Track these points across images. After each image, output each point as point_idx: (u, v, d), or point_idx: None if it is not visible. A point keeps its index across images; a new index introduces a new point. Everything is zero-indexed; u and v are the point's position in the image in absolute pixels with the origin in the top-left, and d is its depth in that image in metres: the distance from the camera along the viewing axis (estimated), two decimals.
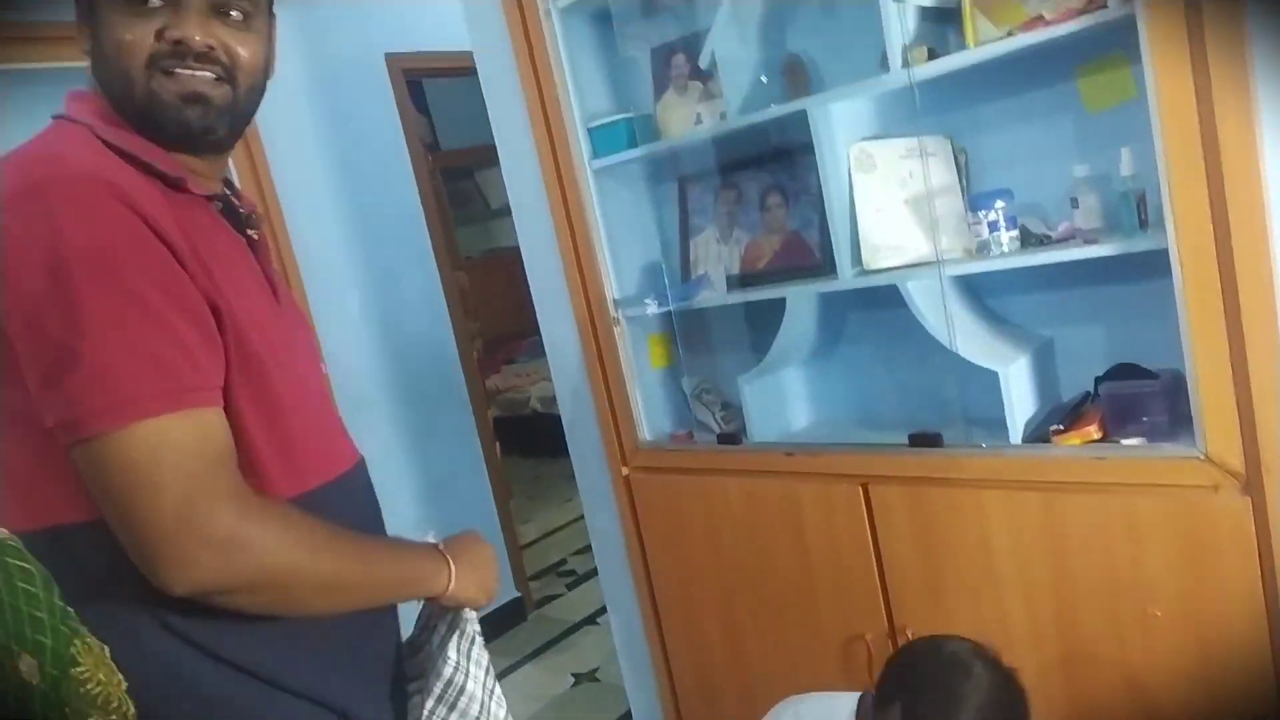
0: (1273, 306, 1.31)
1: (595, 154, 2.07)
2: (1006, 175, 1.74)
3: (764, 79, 1.90)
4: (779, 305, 1.97)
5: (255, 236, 1.08)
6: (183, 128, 0.97)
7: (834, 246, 1.78)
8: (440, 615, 1.16)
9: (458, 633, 1.10)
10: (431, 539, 1.11)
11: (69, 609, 0.77)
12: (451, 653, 1.09)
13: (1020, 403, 1.66)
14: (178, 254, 0.88)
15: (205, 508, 0.85)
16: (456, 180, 6.83)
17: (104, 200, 0.85)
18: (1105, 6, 1.40)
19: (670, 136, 2.05)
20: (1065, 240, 1.61)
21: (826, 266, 1.87)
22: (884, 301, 1.84)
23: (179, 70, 0.94)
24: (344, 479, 1.09)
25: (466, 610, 1.12)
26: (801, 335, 2.00)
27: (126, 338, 0.83)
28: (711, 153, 2.09)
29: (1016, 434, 1.65)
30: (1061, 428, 1.62)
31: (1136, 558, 1.51)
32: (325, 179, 3.15)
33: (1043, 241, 1.65)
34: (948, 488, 1.69)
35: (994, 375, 1.64)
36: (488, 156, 7.10)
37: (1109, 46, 1.54)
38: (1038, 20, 1.49)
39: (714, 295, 2.03)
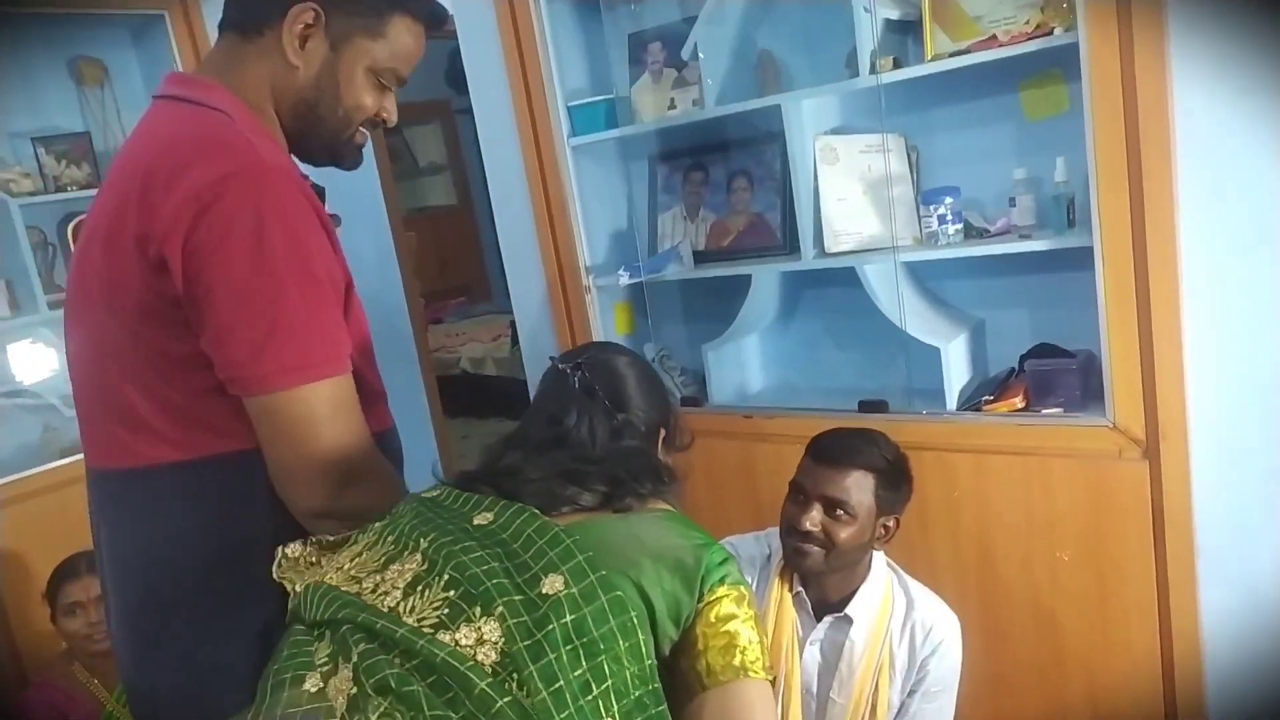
0: (1177, 299, 1.56)
1: (574, 132, 2.20)
2: (952, 173, 1.96)
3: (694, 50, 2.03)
4: (737, 280, 2.16)
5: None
6: (353, 166, 1.22)
7: (799, 230, 1.97)
8: None
9: None
10: None
11: None
12: None
13: (957, 375, 1.88)
14: (331, 240, 1.07)
15: (346, 451, 1.05)
16: (385, 137, 6.77)
17: (293, 192, 1.02)
18: (1051, 34, 1.61)
19: (644, 119, 2.20)
20: (1002, 234, 1.84)
21: (788, 247, 2.06)
22: (840, 281, 2.04)
23: (368, 132, 1.20)
24: (392, 427, 1.27)
25: None
26: (763, 308, 2.19)
27: (311, 316, 1.01)
28: (682, 136, 2.24)
29: (952, 403, 1.88)
30: (991, 398, 1.85)
31: (1049, 511, 1.76)
32: None
33: (983, 234, 1.87)
34: None
35: (935, 350, 1.87)
36: (416, 113, 7.01)
37: (1048, 64, 1.76)
38: (991, 40, 1.69)
39: (682, 269, 2.20)
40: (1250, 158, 1.50)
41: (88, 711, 2.04)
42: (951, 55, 1.74)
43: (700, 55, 2.01)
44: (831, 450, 1.49)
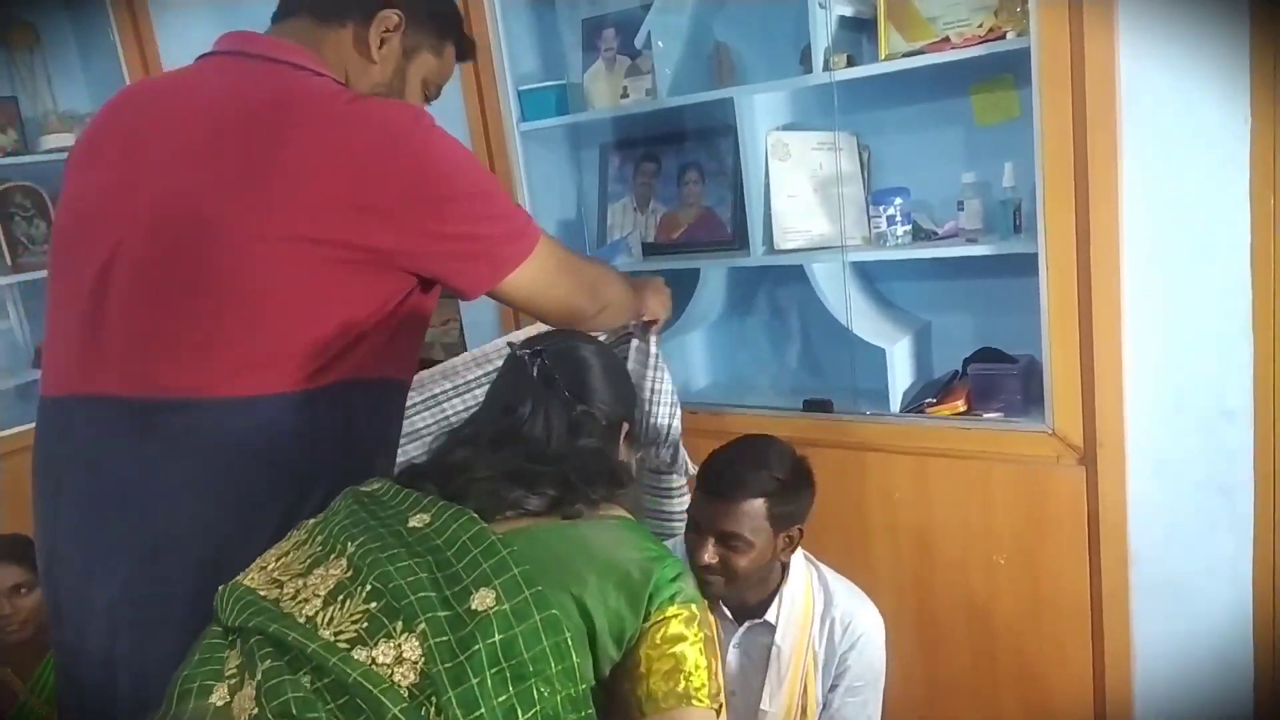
0: (1119, 308, 1.57)
1: (524, 117, 2.15)
2: (902, 174, 1.95)
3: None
4: (687, 274, 2.13)
5: None
6: None
7: (748, 225, 1.95)
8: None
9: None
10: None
11: None
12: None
13: (901, 377, 1.88)
14: None
15: (582, 261, 1.30)
16: None
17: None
18: (1004, 38, 1.60)
19: (596, 107, 2.16)
20: (950, 237, 1.84)
21: (738, 242, 2.04)
22: (789, 279, 2.03)
23: None
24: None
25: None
26: (712, 303, 2.16)
27: (507, 204, 1.20)
28: (634, 126, 2.21)
29: (896, 404, 1.87)
30: (934, 401, 1.85)
31: (987, 514, 1.77)
32: None
33: (930, 236, 1.87)
34: (835, 449, 1.90)
35: (880, 351, 1.86)
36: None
37: (1000, 69, 1.75)
38: (944, 42, 1.68)
39: (631, 260, 2.17)
40: (1198, 171, 1.51)
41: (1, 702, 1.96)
42: (905, 55, 1.73)
43: (659, 43, 1.97)
44: (719, 483, 1.43)
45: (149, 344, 1.08)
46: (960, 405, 1.83)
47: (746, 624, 1.52)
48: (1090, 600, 1.70)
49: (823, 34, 1.76)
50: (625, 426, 1.16)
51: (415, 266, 1.12)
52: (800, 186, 1.94)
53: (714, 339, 2.28)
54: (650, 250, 2.17)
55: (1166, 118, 1.50)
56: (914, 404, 1.88)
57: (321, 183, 1.04)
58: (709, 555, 1.41)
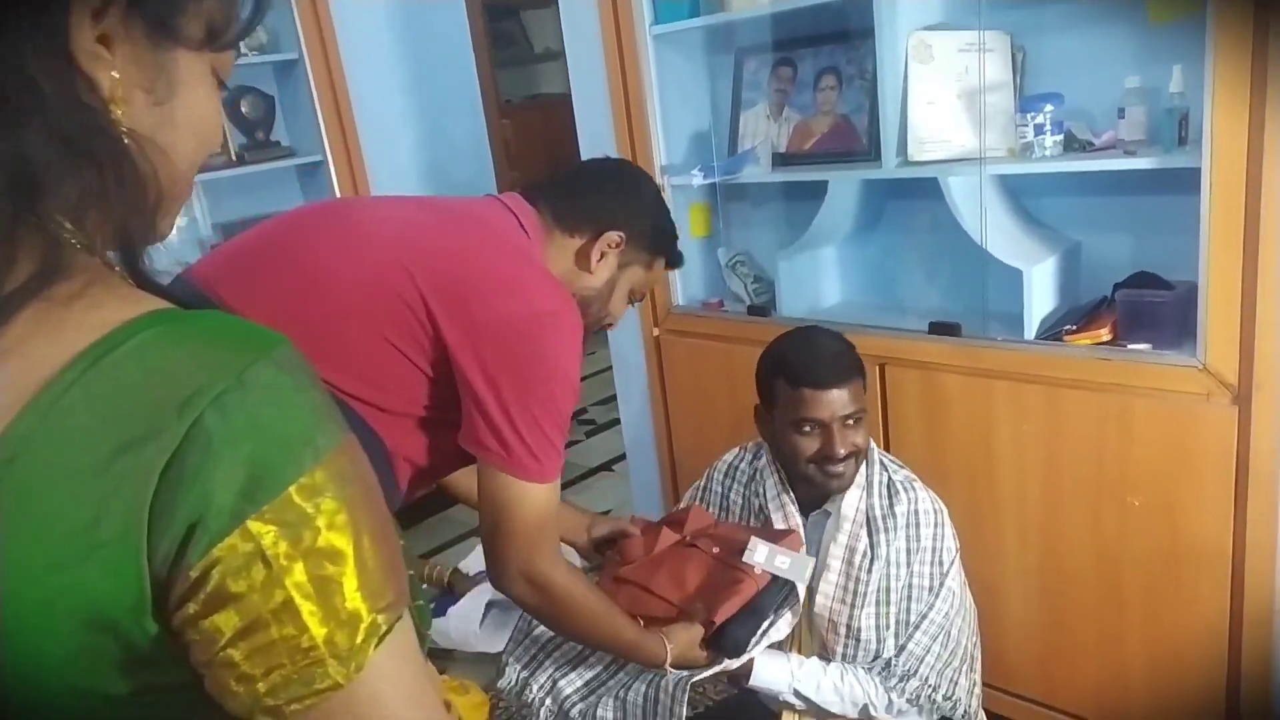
0: None
1: (657, 19, 2.09)
2: (1060, 78, 1.77)
3: None
4: (820, 185, 2.04)
5: None
6: None
7: (881, 134, 1.84)
8: None
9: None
10: None
11: None
12: None
13: (1040, 301, 1.75)
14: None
15: (548, 554, 1.23)
16: (499, 20, 6.68)
17: (580, 334, 1.22)
18: None
19: (731, 7, 2.06)
20: (1107, 149, 1.67)
21: (872, 153, 1.93)
22: (923, 192, 1.91)
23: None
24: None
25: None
26: (840, 217, 2.07)
27: (558, 436, 1.20)
28: (771, 28, 2.10)
29: (1032, 330, 1.75)
30: (1074, 328, 1.72)
31: (1123, 452, 1.64)
32: (383, 14, 3.17)
33: (1085, 148, 1.70)
34: (960, 375, 1.80)
35: (1019, 272, 1.73)
36: None
37: None
38: None
39: (758, 171, 2.10)
40: None
41: None
42: None
43: None
44: (833, 373, 1.43)
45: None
46: (1104, 334, 1.69)
47: (811, 516, 1.52)
48: (1232, 553, 1.56)
49: None
50: None
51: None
52: (942, 92, 1.80)
53: (844, 255, 2.18)
54: (780, 160, 2.09)
55: None
56: (1053, 331, 1.75)
57: (445, 331, 1.17)
58: (845, 445, 1.42)
